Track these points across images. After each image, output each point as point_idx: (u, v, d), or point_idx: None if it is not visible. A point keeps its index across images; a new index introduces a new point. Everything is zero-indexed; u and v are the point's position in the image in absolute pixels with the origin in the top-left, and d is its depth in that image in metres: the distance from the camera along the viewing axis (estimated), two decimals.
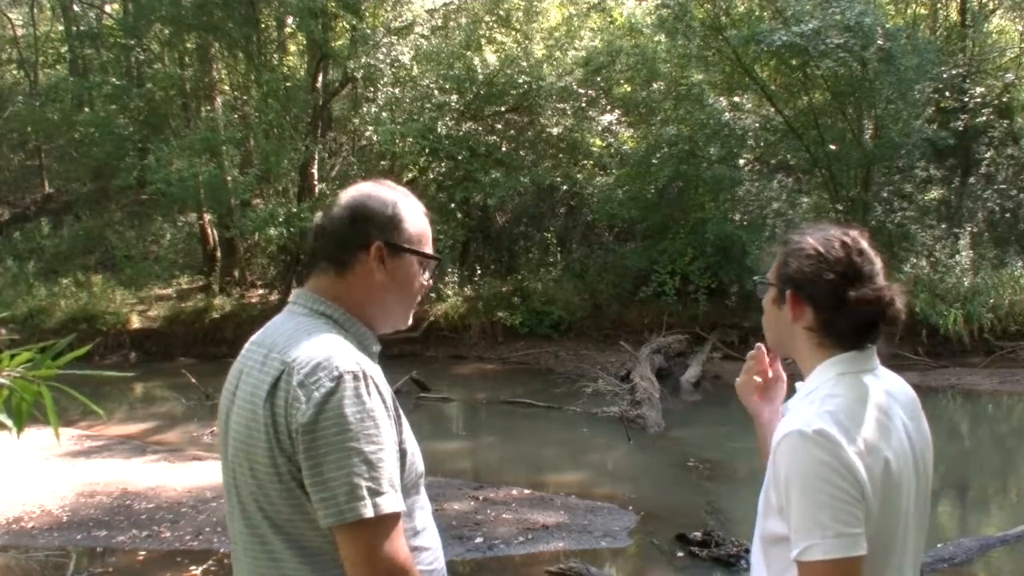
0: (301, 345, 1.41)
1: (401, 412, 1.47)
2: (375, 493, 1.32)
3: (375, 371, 1.43)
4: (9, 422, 1.72)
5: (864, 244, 1.50)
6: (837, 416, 1.37)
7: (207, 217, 16.62)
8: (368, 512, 1.31)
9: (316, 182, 15.11)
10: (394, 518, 1.35)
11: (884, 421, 1.41)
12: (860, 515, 1.32)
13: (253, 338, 1.53)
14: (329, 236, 1.54)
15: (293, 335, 1.44)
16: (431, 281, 1.63)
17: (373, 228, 1.52)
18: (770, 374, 1.78)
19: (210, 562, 5.22)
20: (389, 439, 1.38)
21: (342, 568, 1.37)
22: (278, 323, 1.52)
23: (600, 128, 15.73)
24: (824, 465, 1.33)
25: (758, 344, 1.77)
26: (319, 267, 1.54)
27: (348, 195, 1.57)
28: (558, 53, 15.64)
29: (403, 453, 1.44)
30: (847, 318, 1.45)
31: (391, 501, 1.34)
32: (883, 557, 1.40)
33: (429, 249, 1.59)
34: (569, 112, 15.39)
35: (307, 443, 1.33)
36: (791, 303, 1.50)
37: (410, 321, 1.64)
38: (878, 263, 1.50)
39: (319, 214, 1.58)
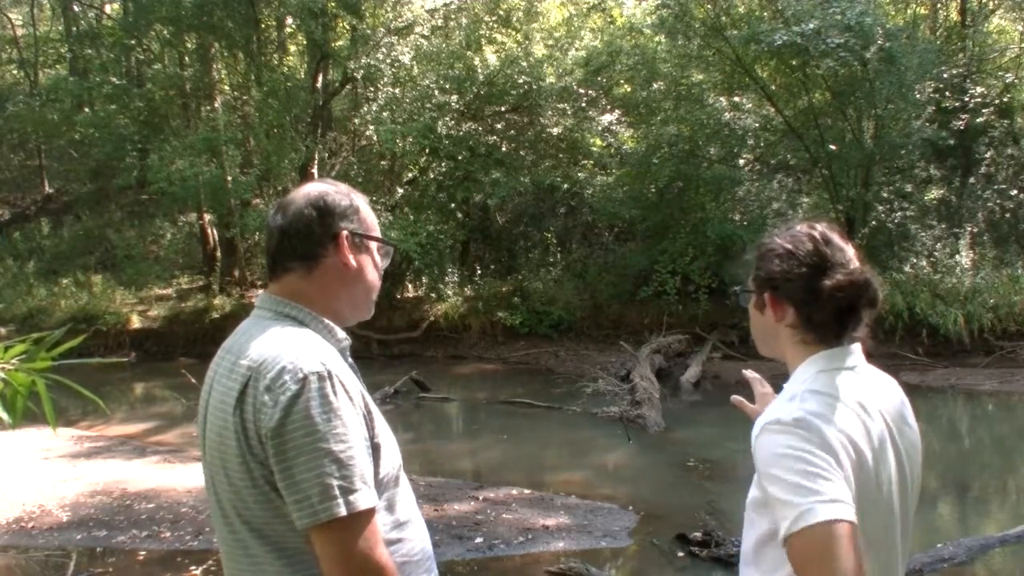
0: (266, 350, 1.41)
1: (373, 407, 1.48)
2: (347, 491, 1.34)
3: (342, 369, 1.43)
4: (4, 414, 1.71)
5: (832, 235, 1.51)
6: (816, 410, 1.37)
7: (207, 217, 16.63)
8: (342, 511, 1.33)
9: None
10: (368, 514, 1.36)
11: (862, 418, 1.40)
12: (849, 489, 1.29)
13: (224, 344, 1.53)
14: (295, 234, 1.53)
15: (259, 340, 1.44)
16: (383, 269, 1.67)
17: (339, 219, 1.55)
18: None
19: (210, 562, 5.21)
20: (359, 436, 1.39)
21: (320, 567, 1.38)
22: (245, 328, 1.52)
23: (600, 128, 15.73)
24: (807, 442, 1.32)
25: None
26: (285, 268, 1.54)
27: (304, 194, 1.57)
28: (558, 53, 15.64)
29: (376, 448, 1.45)
30: (825, 308, 1.46)
31: (364, 498, 1.35)
32: (865, 554, 1.37)
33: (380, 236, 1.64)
34: (569, 112, 15.38)
35: (276, 447, 1.34)
36: (771, 304, 1.52)
37: (372, 311, 1.65)
38: (849, 251, 1.50)
39: (275, 218, 1.57)
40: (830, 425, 1.35)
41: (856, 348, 1.50)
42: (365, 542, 1.35)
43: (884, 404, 1.47)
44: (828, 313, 1.46)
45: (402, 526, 1.52)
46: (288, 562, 1.41)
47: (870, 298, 1.45)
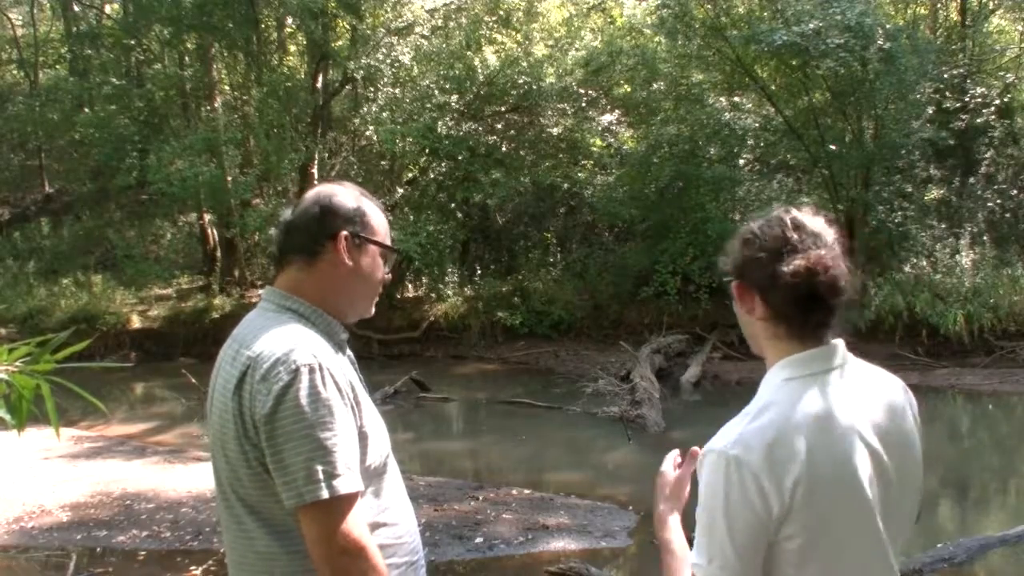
0: (265, 341, 1.52)
1: (363, 398, 1.58)
2: (331, 476, 1.43)
3: (333, 362, 1.52)
4: (7, 416, 1.71)
5: (806, 219, 1.38)
6: (762, 433, 1.29)
7: (207, 217, 16.63)
8: (324, 494, 1.42)
9: (316, 182, 15.09)
10: (350, 498, 1.45)
11: (824, 432, 1.29)
12: (759, 543, 1.29)
13: (233, 332, 1.63)
14: (299, 229, 1.64)
15: (260, 332, 1.55)
16: (390, 275, 1.75)
17: (340, 220, 1.64)
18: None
19: (210, 562, 5.22)
20: (345, 425, 1.48)
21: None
22: (250, 319, 1.63)
23: (600, 128, 15.73)
24: (727, 483, 1.29)
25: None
26: (288, 261, 1.65)
27: (315, 193, 1.69)
28: (558, 53, 15.63)
29: (363, 436, 1.54)
30: (781, 295, 1.33)
31: (346, 483, 1.45)
32: (834, 567, 1.31)
33: (389, 242, 1.72)
34: (569, 112, 15.38)
35: (268, 432, 1.45)
36: (738, 293, 1.41)
37: (372, 310, 1.74)
38: (828, 236, 1.37)
39: (286, 213, 1.68)
40: (769, 457, 1.27)
41: (839, 345, 1.37)
42: (346, 524, 1.44)
43: (871, 405, 1.35)
44: (786, 301, 1.33)
45: (387, 511, 1.62)
46: (277, 536, 1.51)
47: (827, 282, 1.31)
